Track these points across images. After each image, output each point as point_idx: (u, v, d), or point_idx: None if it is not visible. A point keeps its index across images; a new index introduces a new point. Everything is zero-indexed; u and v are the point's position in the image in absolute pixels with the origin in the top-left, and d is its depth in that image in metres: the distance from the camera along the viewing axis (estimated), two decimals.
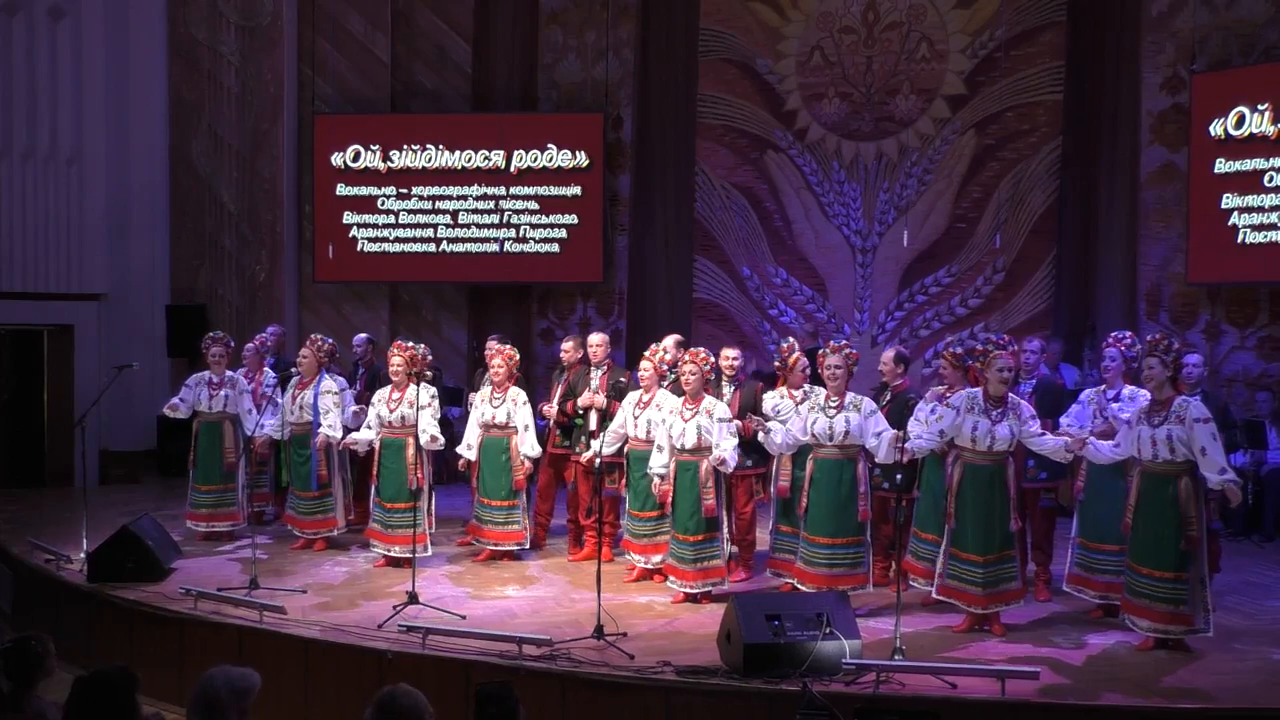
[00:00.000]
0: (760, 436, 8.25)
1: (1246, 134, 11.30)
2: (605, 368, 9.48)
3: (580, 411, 9.38)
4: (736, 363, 8.98)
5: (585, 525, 9.41)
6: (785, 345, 8.79)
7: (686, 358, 8.27)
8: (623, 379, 9.29)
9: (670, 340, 9.25)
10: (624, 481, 8.93)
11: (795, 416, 8.06)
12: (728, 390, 8.85)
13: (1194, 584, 6.94)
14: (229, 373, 10.00)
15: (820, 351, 8.15)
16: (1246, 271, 11.48)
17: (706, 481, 8.02)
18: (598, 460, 8.24)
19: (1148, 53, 12.14)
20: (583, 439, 9.38)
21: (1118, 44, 12.39)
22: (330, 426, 9.46)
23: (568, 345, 9.79)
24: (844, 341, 8.10)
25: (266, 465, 10.32)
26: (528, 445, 9.22)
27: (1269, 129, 11.16)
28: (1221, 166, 11.49)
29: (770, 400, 8.65)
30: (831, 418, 7.74)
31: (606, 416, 9.16)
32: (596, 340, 9.61)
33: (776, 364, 8.85)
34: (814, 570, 7.70)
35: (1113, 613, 7.58)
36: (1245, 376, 11.73)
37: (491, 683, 4.39)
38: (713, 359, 8.40)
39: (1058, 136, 12.69)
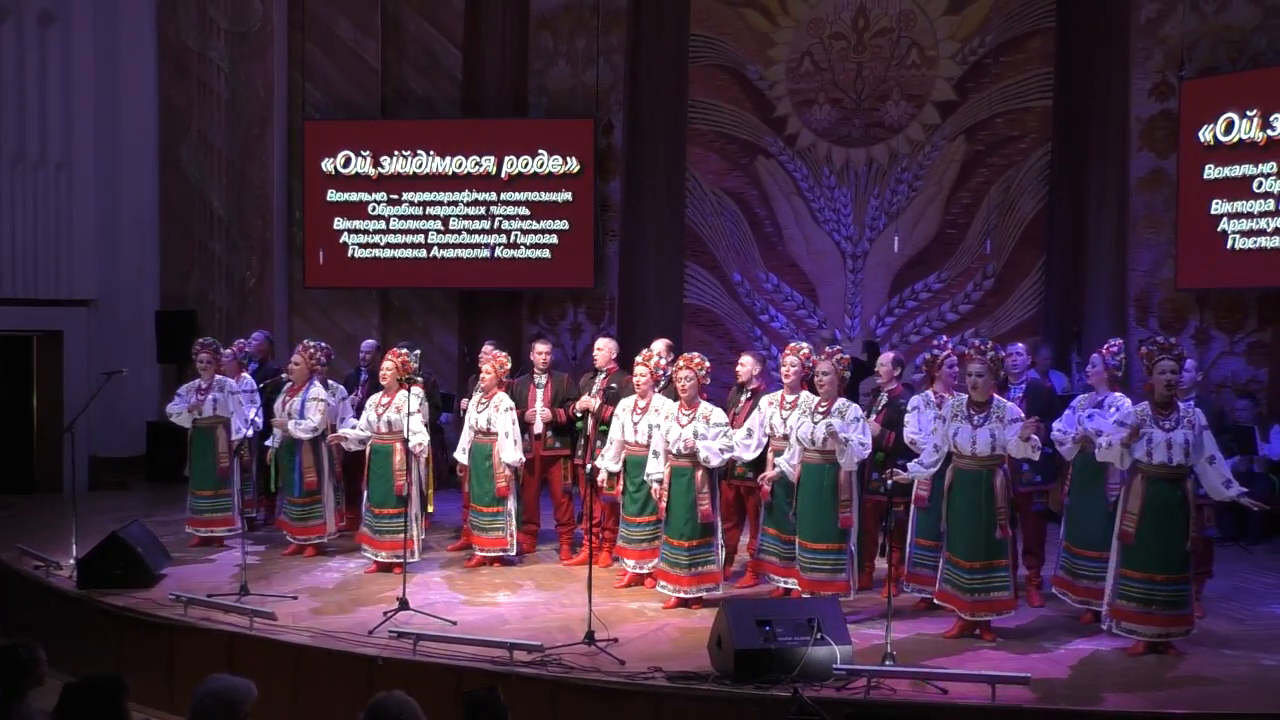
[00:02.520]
0: (776, 471, 8.12)
1: (1235, 140, 11.34)
2: (608, 373, 9.49)
3: (579, 415, 9.40)
4: (745, 370, 8.96)
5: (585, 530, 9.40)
6: (790, 347, 8.65)
7: (681, 363, 8.27)
8: (614, 385, 9.30)
9: (661, 344, 9.25)
10: (620, 486, 8.90)
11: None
12: (742, 398, 8.85)
13: (1191, 585, 7.09)
14: (218, 377, 9.99)
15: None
16: (1235, 277, 11.52)
17: (702, 487, 8.03)
18: (588, 466, 8.23)
19: (1137, 59, 12.18)
20: (581, 442, 9.40)
21: (1107, 50, 12.43)
22: (301, 428, 9.46)
23: (543, 349, 9.84)
24: (837, 348, 8.08)
25: (251, 471, 10.28)
26: (507, 452, 9.20)
27: (1258, 135, 11.20)
28: (1210, 172, 11.53)
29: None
30: (815, 423, 7.78)
31: (599, 421, 9.17)
32: (602, 345, 9.62)
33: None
34: (801, 575, 7.79)
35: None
36: (1234, 382, 11.77)
37: (478, 689, 4.38)
38: (708, 364, 8.39)
39: (1047, 142, 12.74)
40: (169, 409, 10.10)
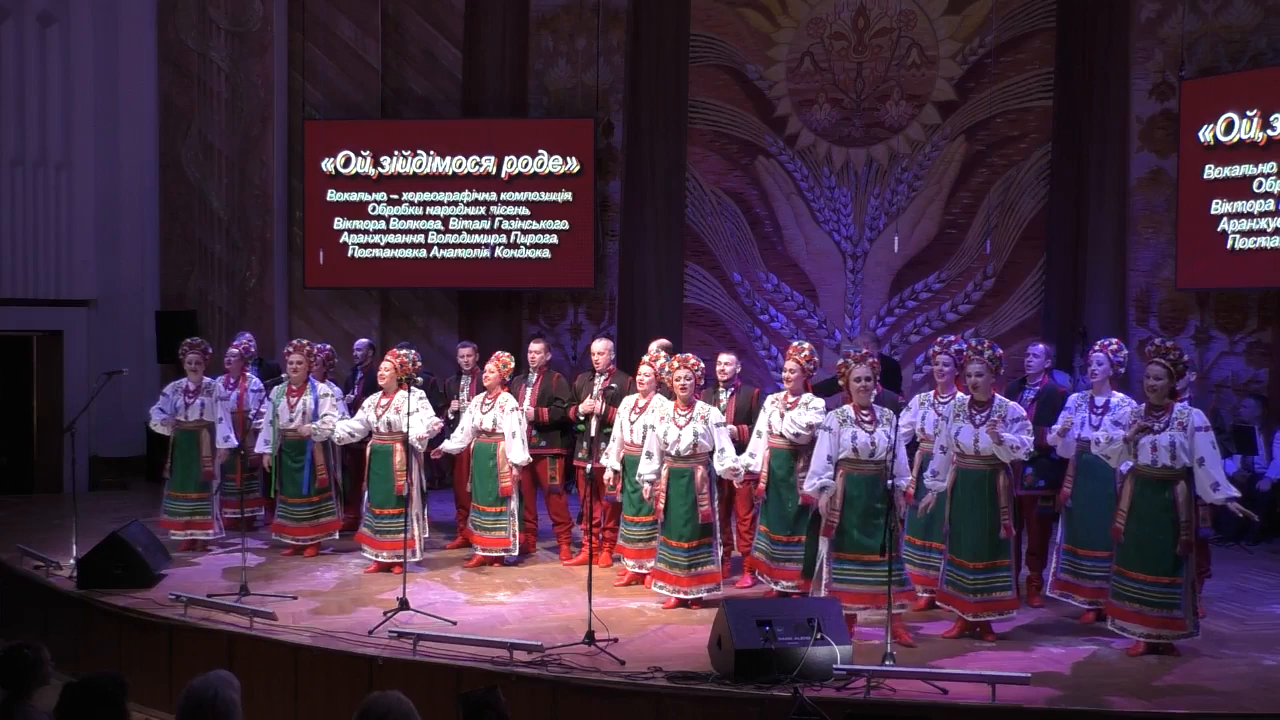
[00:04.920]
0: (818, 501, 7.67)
1: (1235, 140, 11.34)
2: (608, 374, 9.49)
3: (582, 418, 9.39)
4: (730, 368, 8.96)
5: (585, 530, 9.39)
6: (794, 347, 8.52)
7: (677, 363, 8.26)
8: (613, 385, 9.29)
9: (656, 345, 9.26)
10: (620, 486, 8.90)
11: (826, 436, 7.42)
12: (724, 396, 8.86)
13: (1186, 589, 6.99)
14: (206, 379, 9.93)
15: (840, 361, 7.92)
16: (1235, 277, 11.52)
17: (703, 488, 8.01)
18: (589, 467, 8.21)
19: (1137, 59, 12.18)
20: (583, 445, 9.38)
21: (1107, 50, 12.42)
22: (323, 426, 9.45)
23: (536, 348, 9.81)
24: (864, 351, 7.69)
25: (258, 471, 10.26)
26: (514, 452, 9.21)
27: (1258, 135, 11.20)
28: (1210, 172, 11.53)
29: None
30: (871, 433, 7.27)
31: (604, 423, 9.17)
32: (600, 347, 9.61)
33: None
34: (856, 590, 7.25)
35: (1104, 618, 7.59)
36: (1234, 382, 11.77)
37: (476, 690, 4.37)
38: (703, 365, 8.38)
39: (1047, 143, 12.72)
40: (151, 415, 9.99)
